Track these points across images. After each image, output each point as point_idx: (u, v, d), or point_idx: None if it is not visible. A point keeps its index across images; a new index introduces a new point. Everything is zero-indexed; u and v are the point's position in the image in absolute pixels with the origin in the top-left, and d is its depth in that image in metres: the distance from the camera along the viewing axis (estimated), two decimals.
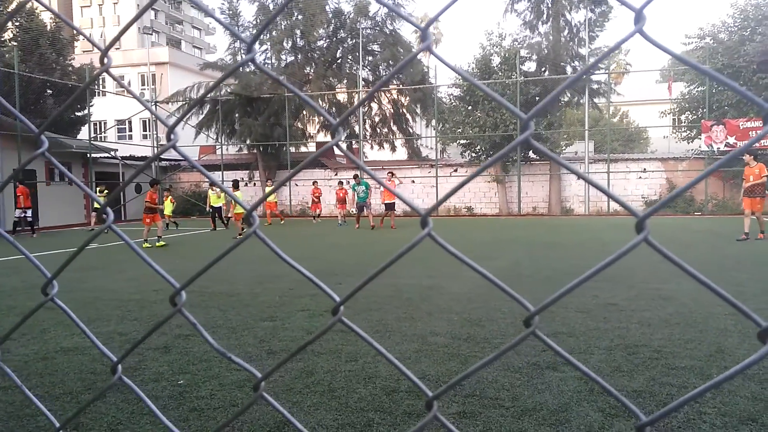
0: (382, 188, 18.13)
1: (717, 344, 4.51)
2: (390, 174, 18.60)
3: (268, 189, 22.12)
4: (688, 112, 25.07)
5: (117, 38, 0.82)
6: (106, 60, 0.76)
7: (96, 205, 18.41)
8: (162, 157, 29.85)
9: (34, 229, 18.50)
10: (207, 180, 18.73)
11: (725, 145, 21.93)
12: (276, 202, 23.22)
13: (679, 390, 3.60)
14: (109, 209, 0.79)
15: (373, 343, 0.71)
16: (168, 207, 19.37)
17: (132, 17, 0.79)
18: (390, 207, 18.55)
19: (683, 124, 25.53)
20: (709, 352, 4.32)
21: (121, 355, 0.90)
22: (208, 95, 27.75)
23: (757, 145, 20.15)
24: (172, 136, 0.74)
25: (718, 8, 52.87)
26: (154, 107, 28.63)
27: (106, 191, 20.90)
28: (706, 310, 5.62)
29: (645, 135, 41.20)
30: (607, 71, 25.76)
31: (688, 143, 25.27)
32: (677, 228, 16.27)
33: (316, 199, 22.95)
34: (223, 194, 19.44)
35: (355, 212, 18.90)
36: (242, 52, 27.70)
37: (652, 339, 4.72)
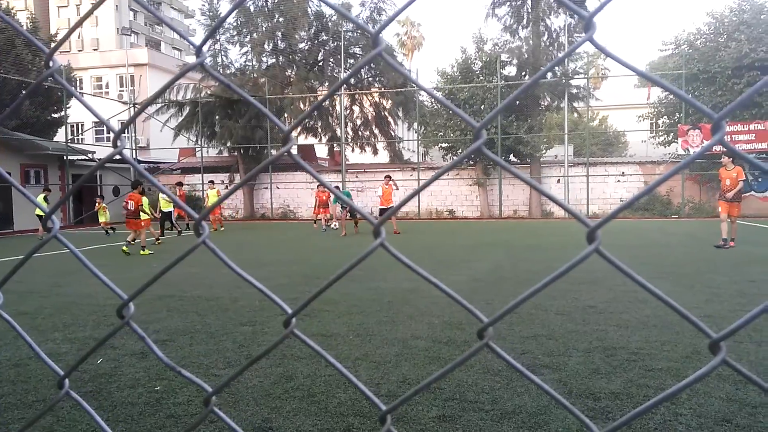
0: (379, 194, 17.40)
1: (693, 346, 4.58)
2: (387, 178, 17.58)
3: (211, 194, 20.70)
4: (665, 117, 25.48)
5: (63, 41, 0.80)
6: (51, 63, 0.74)
7: (38, 212, 17.55)
8: (140, 159, 29.49)
9: None
10: (186, 183, 18.52)
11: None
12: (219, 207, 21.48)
13: (656, 391, 3.64)
14: (54, 217, 0.76)
15: (326, 357, 0.70)
16: (102, 215, 19.01)
17: (82, 16, 0.77)
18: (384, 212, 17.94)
19: (660, 128, 25.94)
20: (685, 354, 4.38)
21: (67, 370, 0.87)
22: (186, 90, 27.41)
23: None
24: (118, 143, 0.72)
25: (694, 16, 53.94)
26: (132, 108, 28.29)
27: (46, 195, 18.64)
28: None
29: (623, 139, 41.80)
30: (586, 76, 26.09)
31: (665, 147, 25.69)
32: (654, 231, 16.51)
33: (323, 204, 20.02)
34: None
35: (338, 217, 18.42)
36: (215, 54, 27.50)
37: (630, 341, 4.77)
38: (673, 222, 20.89)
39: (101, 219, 19.20)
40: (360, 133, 30.34)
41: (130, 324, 0.76)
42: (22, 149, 22.09)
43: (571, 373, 4.00)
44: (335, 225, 19.14)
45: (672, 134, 24.36)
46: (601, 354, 4.42)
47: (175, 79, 0.82)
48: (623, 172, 24.52)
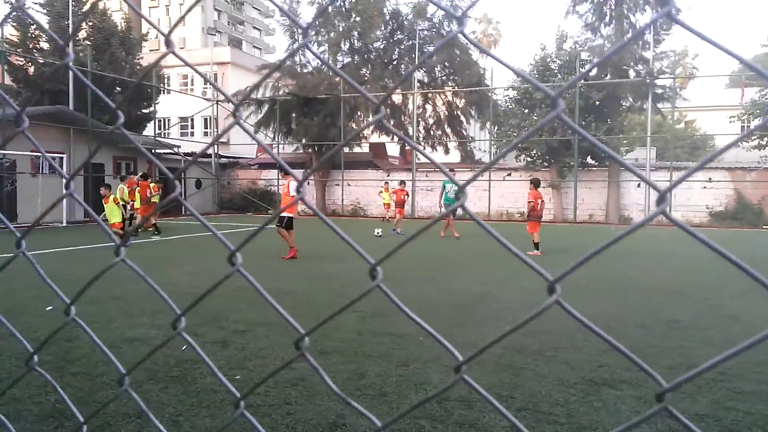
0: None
1: None
2: (533, 185, 12.70)
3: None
4: (759, 119, 23.78)
5: (179, 21, 0.88)
6: (169, 45, 0.85)
7: (112, 219, 12.78)
8: (221, 154, 30.80)
9: None
10: (262, 178, 18.45)
11: None
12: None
13: (745, 416, 3.44)
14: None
15: (404, 308, 0.72)
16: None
17: (189, 8, 0.88)
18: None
19: (755, 133, 24.24)
20: None
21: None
22: (265, 89, 28.24)
23: None
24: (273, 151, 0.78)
25: None
26: (215, 106, 29.59)
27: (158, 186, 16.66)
28: None
29: (712, 143, 39.38)
30: (672, 75, 24.80)
31: (759, 151, 23.98)
32: (742, 241, 15.49)
33: (400, 204, 18.25)
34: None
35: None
36: (299, 37, 28.13)
37: None
38: (765, 233, 19.51)
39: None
40: (432, 132, 30.28)
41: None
42: (114, 142, 23.53)
43: (651, 390, 3.84)
44: (401, 231, 17.75)
45: (766, 138, 22.72)
46: (685, 372, 4.21)
47: (287, 58, 0.87)
48: (710, 178, 23.12)
